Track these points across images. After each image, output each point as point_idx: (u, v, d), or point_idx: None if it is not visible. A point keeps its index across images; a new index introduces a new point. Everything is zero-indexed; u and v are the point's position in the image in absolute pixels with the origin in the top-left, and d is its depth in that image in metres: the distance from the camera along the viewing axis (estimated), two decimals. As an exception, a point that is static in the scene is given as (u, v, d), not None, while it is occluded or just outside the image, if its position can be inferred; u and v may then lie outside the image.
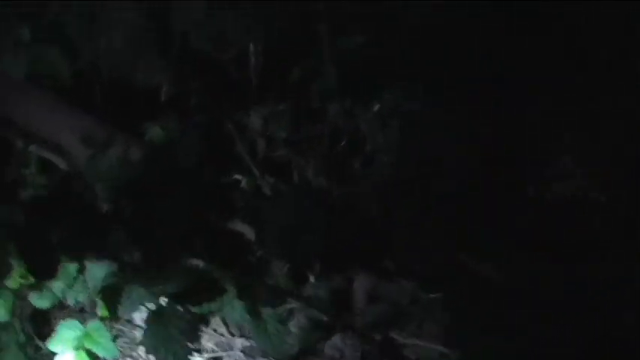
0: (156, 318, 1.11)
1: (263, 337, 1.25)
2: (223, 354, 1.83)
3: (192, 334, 1.11)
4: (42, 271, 1.14)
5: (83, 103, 1.77)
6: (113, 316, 1.68)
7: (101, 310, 1.57)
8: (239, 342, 1.85)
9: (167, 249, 1.08)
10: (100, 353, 1.48)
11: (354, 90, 1.46)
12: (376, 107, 1.50)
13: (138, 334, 1.74)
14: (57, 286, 1.45)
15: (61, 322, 1.52)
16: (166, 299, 1.11)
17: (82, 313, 1.88)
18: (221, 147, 1.48)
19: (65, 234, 1.09)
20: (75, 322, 1.51)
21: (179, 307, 1.11)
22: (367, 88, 1.50)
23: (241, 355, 1.83)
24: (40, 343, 1.84)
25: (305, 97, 1.50)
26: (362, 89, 1.49)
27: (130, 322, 1.87)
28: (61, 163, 1.32)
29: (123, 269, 1.08)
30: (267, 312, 1.27)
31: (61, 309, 1.95)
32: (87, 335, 1.49)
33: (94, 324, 1.49)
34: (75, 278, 1.27)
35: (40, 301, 1.48)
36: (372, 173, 1.41)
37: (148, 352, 1.13)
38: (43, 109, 1.54)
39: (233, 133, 1.57)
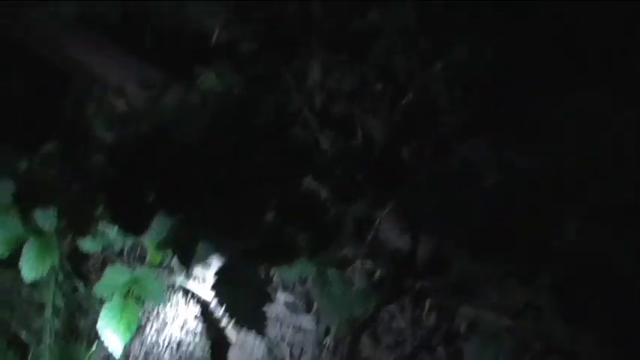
0: (227, 275, 1.05)
1: (327, 298, 1.22)
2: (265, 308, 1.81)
3: (265, 295, 1.07)
4: (134, 228, 1.08)
5: (133, 47, 1.71)
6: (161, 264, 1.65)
7: (152, 257, 1.53)
8: (282, 296, 1.82)
9: (242, 202, 1.03)
10: (149, 300, 1.44)
11: (421, 44, 1.38)
12: (441, 65, 1.44)
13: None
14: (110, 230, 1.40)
15: (109, 265, 1.48)
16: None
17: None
18: (279, 99, 1.42)
19: (161, 188, 1.02)
20: (123, 267, 1.47)
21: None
22: (434, 45, 1.43)
23: (284, 308, 1.81)
24: (80, 285, 1.82)
25: (369, 50, 1.43)
26: (429, 45, 1.42)
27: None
28: (123, 105, 1.25)
29: (192, 221, 1.03)
30: (332, 273, 1.23)
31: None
32: (135, 281, 1.46)
33: (143, 270, 1.46)
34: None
35: (90, 243, 1.43)
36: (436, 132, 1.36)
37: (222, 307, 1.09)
38: (96, 50, 1.48)
39: (290, 83, 1.50)
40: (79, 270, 1.86)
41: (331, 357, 1.74)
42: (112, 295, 1.43)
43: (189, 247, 1.03)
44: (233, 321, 1.07)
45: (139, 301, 1.44)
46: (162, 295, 1.43)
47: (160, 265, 1.66)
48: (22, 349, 1.80)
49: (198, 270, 1.87)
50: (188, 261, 1.04)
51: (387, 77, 1.37)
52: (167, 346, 1.57)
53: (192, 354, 1.61)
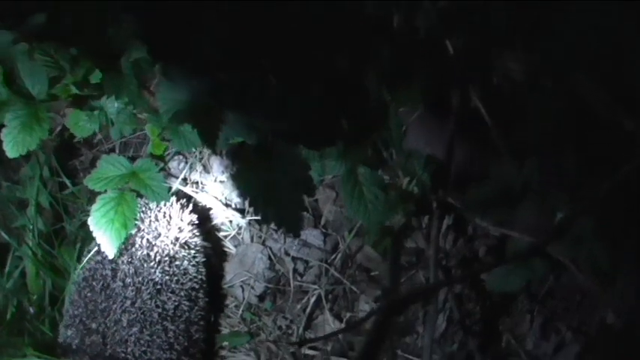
0: (259, 157, 0.85)
1: (358, 200, 1.06)
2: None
3: (306, 184, 0.87)
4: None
5: None
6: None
7: (152, 147, 1.36)
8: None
9: (287, 69, 0.84)
10: (150, 197, 1.28)
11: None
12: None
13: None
14: (108, 105, 1.20)
15: (103, 156, 1.31)
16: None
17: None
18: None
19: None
20: (120, 158, 1.30)
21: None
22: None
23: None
24: (67, 181, 1.65)
25: None
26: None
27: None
28: None
29: (215, 91, 0.83)
30: (366, 173, 1.07)
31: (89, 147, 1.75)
32: (133, 175, 1.29)
33: (143, 161, 1.29)
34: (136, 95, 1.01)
35: (81, 127, 1.24)
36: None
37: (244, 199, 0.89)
38: None
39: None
40: (66, 166, 1.69)
41: (339, 274, 1.63)
42: (106, 188, 1.27)
43: (214, 121, 0.84)
44: (260, 217, 0.89)
45: (136, 198, 1.28)
46: (164, 192, 1.27)
47: (162, 157, 1.49)
48: (1, 249, 1.65)
49: (195, 174, 1.72)
50: (213, 140, 0.86)
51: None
52: (159, 261, 1.43)
53: (186, 270, 1.47)
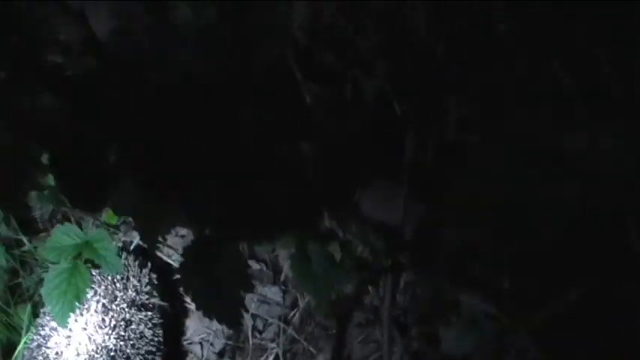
0: (198, 254, 0.86)
1: (307, 276, 1.07)
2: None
3: (247, 282, 0.89)
4: (87, 204, 0.83)
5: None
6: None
7: (106, 216, 1.36)
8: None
9: (226, 166, 0.85)
10: (104, 268, 1.28)
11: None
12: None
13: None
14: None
15: (58, 225, 1.30)
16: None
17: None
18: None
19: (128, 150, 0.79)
20: (73, 227, 1.30)
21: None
22: None
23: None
24: (24, 238, 1.64)
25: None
26: None
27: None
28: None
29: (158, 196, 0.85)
30: (314, 248, 1.09)
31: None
32: (87, 245, 1.29)
33: (98, 232, 1.28)
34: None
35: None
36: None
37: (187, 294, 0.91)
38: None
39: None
40: (23, 222, 1.68)
41: (297, 332, 1.63)
42: (60, 258, 1.26)
43: (157, 220, 0.85)
44: (202, 313, 0.91)
45: (90, 268, 1.27)
46: (118, 263, 1.27)
47: (116, 226, 1.49)
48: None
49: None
50: (154, 238, 0.86)
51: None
52: (114, 326, 1.42)
53: (142, 333, 1.46)
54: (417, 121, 1.24)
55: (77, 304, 1.22)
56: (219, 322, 0.93)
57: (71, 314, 1.24)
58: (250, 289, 0.93)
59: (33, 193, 1.17)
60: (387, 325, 1.39)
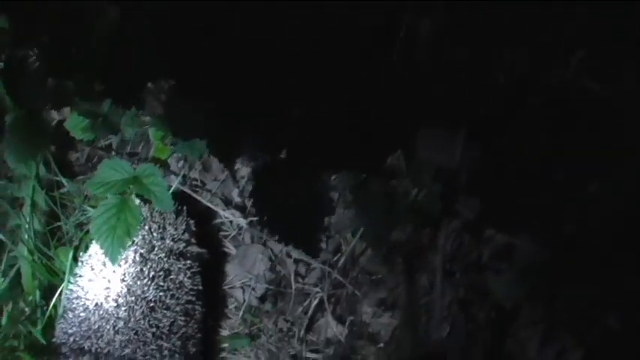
0: (273, 175, 0.81)
1: (367, 213, 1.02)
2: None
3: (326, 205, 0.84)
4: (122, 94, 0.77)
5: None
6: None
7: (157, 150, 1.31)
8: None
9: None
10: (154, 204, 1.24)
11: None
12: None
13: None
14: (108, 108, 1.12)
15: (105, 160, 1.26)
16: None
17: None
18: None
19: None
20: (121, 162, 1.25)
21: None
22: None
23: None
24: (63, 180, 1.61)
25: None
26: None
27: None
28: None
29: (234, 112, 0.77)
30: (376, 187, 1.03)
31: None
32: (136, 180, 1.24)
33: (146, 166, 1.24)
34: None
35: (81, 129, 1.18)
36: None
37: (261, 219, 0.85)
38: None
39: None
40: (62, 162, 1.64)
41: (341, 277, 1.60)
42: (107, 194, 1.22)
43: (233, 145, 0.79)
44: (277, 238, 0.86)
45: (140, 204, 1.23)
46: (168, 199, 1.22)
47: (166, 161, 1.44)
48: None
49: (195, 172, 1.68)
50: (230, 158, 0.80)
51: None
52: (152, 277, 1.37)
53: (181, 283, 1.41)
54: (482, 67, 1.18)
55: (128, 239, 1.19)
56: (297, 246, 0.89)
57: (120, 251, 1.21)
58: (332, 212, 0.87)
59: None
60: (440, 270, 1.35)
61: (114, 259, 1.19)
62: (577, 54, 1.01)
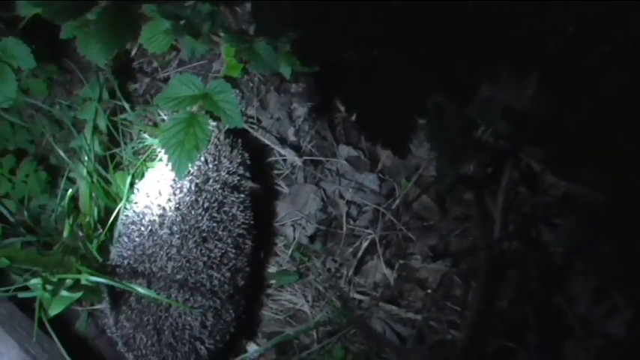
0: (363, 72, 0.78)
1: (442, 138, 1.00)
2: (323, 159, 1.64)
3: (422, 105, 0.80)
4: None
5: None
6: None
7: (229, 68, 1.31)
8: (345, 150, 1.65)
9: None
10: (224, 120, 1.24)
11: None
12: None
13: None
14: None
15: (176, 75, 1.26)
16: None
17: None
18: None
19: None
20: (192, 77, 1.25)
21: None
22: None
23: (345, 163, 1.64)
24: (126, 105, 1.62)
25: None
26: None
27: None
28: None
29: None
30: (452, 109, 1.02)
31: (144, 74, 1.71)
32: (206, 96, 1.24)
33: (217, 83, 1.24)
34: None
35: (158, 41, 1.17)
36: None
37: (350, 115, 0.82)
38: None
39: None
40: (124, 88, 1.66)
41: (394, 220, 1.60)
42: (177, 108, 1.23)
43: (324, 32, 0.77)
44: (367, 136, 0.84)
45: (209, 120, 1.23)
46: (238, 116, 1.22)
47: (237, 79, 1.43)
48: (53, 169, 1.63)
49: (252, 110, 1.69)
50: (317, 56, 0.78)
51: None
52: (207, 208, 1.38)
53: (234, 216, 1.42)
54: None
55: (196, 153, 1.19)
56: (385, 145, 0.88)
57: (188, 165, 1.21)
58: (425, 114, 0.86)
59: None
60: (500, 211, 1.34)
61: (181, 173, 1.20)
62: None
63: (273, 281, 1.60)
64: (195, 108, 1.16)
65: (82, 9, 0.88)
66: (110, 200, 1.55)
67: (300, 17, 0.81)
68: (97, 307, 1.52)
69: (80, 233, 1.50)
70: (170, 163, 1.19)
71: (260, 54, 1.15)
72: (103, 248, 1.51)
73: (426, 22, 0.82)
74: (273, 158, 1.65)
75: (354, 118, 0.85)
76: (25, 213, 1.51)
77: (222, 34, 1.18)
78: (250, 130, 1.64)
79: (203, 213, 1.36)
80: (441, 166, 1.20)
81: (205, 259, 1.35)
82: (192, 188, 1.37)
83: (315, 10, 0.81)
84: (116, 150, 1.58)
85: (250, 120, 1.67)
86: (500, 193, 1.32)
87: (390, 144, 0.84)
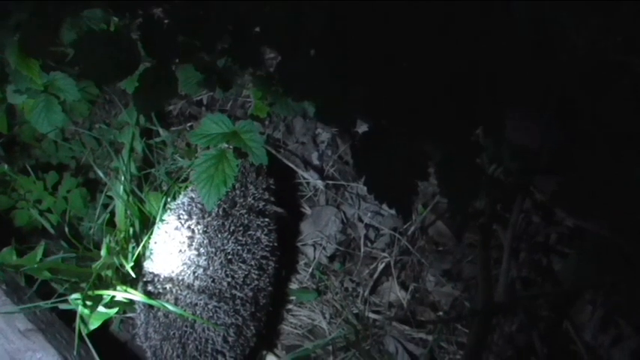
0: (374, 141, 0.89)
1: (452, 184, 1.08)
2: (344, 183, 1.73)
3: (424, 171, 0.91)
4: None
5: None
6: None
7: (256, 109, 1.41)
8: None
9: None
10: (251, 158, 1.33)
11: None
12: None
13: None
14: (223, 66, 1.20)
15: (208, 114, 1.36)
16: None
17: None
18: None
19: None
20: (222, 117, 1.35)
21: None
22: None
23: (365, 188, 1.72)
24: (160, 130, 1.72)
25: None
26: None
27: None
28: None
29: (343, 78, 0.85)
30: (461, 159, 1.09)
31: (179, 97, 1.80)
32: (235, 135, 1.34)
33: (245, 123, 1.34)
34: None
35: (192, 84, 1.27)
36: None
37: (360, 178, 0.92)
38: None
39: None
40: (157, 114, 1.76)
41: (409, 244, 1.67)
42: (207, 145, 1.33)
43: (340, 108, 0.87)
44: (375, 196, 0.94)
45: (240, 155, 1.33)
46: (263, 155, 1.32)
47: (264, 120, 1.53)
48: (91, 183, 1.74)
49: (278, 133, 1.76)
50: (335, 121, 0.88)
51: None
52: (232, 231, 1.48)
53: (258, 239, 1.51)
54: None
55: (224, 188, 1.29)
56: (390, 206, 0.96)
57: (216, 199, 1.31)
58: (426, 178, 0.95)
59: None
60: (508, 245, 1.41)
61: (210, 205, 1.30)
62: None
63: (293, 297, 1.69)
64: (224, 145, 1.26)
65: (124, 73, 0.98)
66: (144, 218, 1.65)
67: (319, 89, 0.90)
68: (129, 314, 1.64)
69: (116, 247, 1.61)
70: (201, 196, 1.29)
71: (285, 99, 1.24)
72: (136, 264, 1.63)
73: (426, 101, 0.90)
74: (297, 180, 1.74)
75: (363, 180, 0.93)
76: (66, 228, 1.63)
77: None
78: (276, 153, 1.72)
79: (229, 236, 1.46)
80: (452, 207, 1.28)
81: (230, 279, 1.44)
82: (220, 212, 1.47)
83: (330, 84, 0.90)
84: (150, 170, 1.68)
85: (277, 143, 1.76)
86: (509, 229, 1.38)
87: (394, 205, 0.92)
